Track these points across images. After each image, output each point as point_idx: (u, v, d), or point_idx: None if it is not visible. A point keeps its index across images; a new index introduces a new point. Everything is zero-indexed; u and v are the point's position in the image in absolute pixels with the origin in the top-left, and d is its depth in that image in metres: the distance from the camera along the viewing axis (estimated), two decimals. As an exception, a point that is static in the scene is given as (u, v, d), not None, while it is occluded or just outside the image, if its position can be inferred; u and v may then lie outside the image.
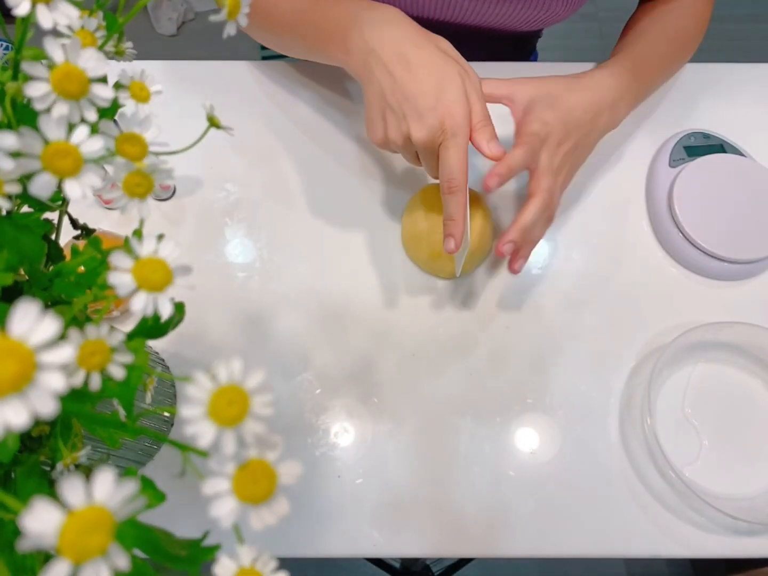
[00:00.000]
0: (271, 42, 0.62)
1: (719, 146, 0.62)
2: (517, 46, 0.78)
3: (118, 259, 0.22)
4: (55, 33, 0.23)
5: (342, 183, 0.62)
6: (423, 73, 0.45)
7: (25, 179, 0.21)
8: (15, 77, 0.24)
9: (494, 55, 0.76)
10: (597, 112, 0.53)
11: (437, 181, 0.48)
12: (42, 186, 0.21)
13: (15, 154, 0.20)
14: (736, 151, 0.62)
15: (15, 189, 0.22)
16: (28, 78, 0.21)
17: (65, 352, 0.17)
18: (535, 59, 0.91)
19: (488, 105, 0.48)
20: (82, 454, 0.28)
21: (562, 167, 0.52)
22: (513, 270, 0.52)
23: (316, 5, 0.54)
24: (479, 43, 0.72)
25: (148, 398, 0.34)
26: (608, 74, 0.55)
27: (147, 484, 0.25)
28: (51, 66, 0.22)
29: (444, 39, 0.49)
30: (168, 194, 0.61)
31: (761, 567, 0.91)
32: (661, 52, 0.62)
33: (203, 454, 0.21)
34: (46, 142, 0.21)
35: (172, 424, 0.52)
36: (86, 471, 0.29)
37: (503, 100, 0.53)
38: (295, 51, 0.61)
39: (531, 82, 0.53)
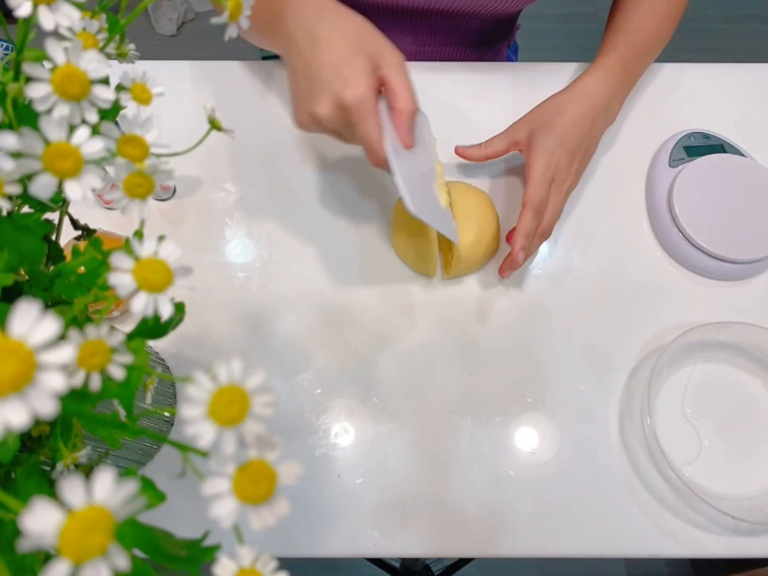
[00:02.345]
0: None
1: (719, 146, 0.62)
2: (495, 31, 0.78)
3: (119, 260, 0.22)
4: (57, 35, 0.23)
5: (342, 183, 0.63)
6: (328, 51, 0.45)
7: (25, 180, 0.21)
8: (16, 78, 0.24)
9: (471, 39, 0.77)
10: (593, 120, 0.56)
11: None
12: (42, 186, 0.21)
13: (16, 155, 0.20)
14: (736, 151, 0.62)
15: (16, 189, 0.22)
16: (30, 79, 0.21)
17: (65, 353, 0.17)
18: (515, 49, 0.90)
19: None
20: (82, 454, 0.28)
21: (568, 179, 0.56)
22: (503, 274, 0.56)
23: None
24: (454, 27, 0.73)
25: (148, 398, 0.34)
26: (596, 81, 0.58)
27: (147, 484, 0.25)
28: (52, 67, 0.22)
29: (365, 19, 0.48)
30: (168, 194, 0.61)
31: (761, 567, 0.91)
32: (650, 36, 0.62)
33: (203, 454, 0.21)
34: (46, 142, 0.21)
35: (172, 424, 0.52)
36: (86, 471, 0.29)
37: (511, 148, 0.59)
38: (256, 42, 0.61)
39: (525, 120, 0.58)
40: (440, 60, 0.80)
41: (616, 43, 0.60)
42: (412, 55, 0.79)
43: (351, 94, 0.43)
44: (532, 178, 0.53)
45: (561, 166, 0.54)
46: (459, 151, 0.59)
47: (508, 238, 0.57)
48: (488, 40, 0.80)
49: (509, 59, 0.89)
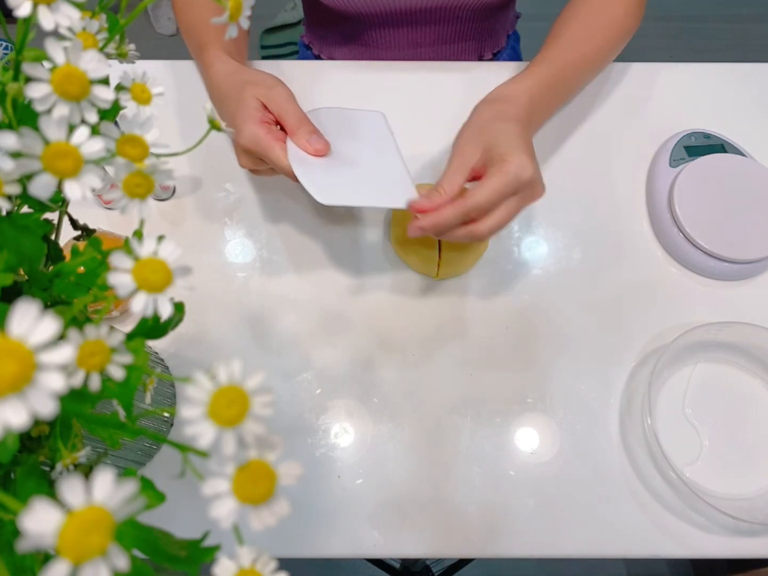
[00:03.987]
0: None
1: (719, 146, 0.62)
2: (490, 20, 0.78)
3: (118, 260, 0.22)
4: (57, 34, 0.23)
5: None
6: (227, 109, 0.53)
7: (25, 180, 0.21)
8: (16, 78, 0.24)
9: (467, 32, 0.77)
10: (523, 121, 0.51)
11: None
12: (42, 186, 0.21)
13: (15, 155, 0.20)
14: (736, 151, 0.62)
15: (15, 189, 0.22)
16: (29, 79, 0.21)
17: (65, 353, 0.17)
18: (517, 38, 0.90)
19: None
20: (82, 455, 0.28)
21: (536, 193, 0.49)
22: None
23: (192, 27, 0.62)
24: (448, 20, 0.73)
25: (148, 399, 0.34)
26: (524, 90, 0.54)
27: (147, 485, 0.25)
28: (52, 67, 0.22)
29: (251, 69, 0.56)
30: (168, 194, 0.61)
31: (762, 567, 0.91)
32: (583, 54, 0.59)
33: (203, 454, 0.21)
34: (46, 142, 0.21)
35: (171, 425, 0.52)
36: (86, 471, 0.29)
37: (472, 177, 0.48)
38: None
39: (469, 141, 0.49)
40: (439, 58, 0.80)
41: (547, 61, 0.57)
42: (410, 57, 0.79)
43: (244, 139, 0.48)
44: (492, 181, 0.45)
45: (535, 178, 0.46)
46: (416, 207, 0.46)
47: (417, 209, 0.46)
48: (485, 32, 0.80)
49: (513, 49, 0.88)
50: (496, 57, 0.85)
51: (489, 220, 0.46)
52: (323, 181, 0.48)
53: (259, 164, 0.51)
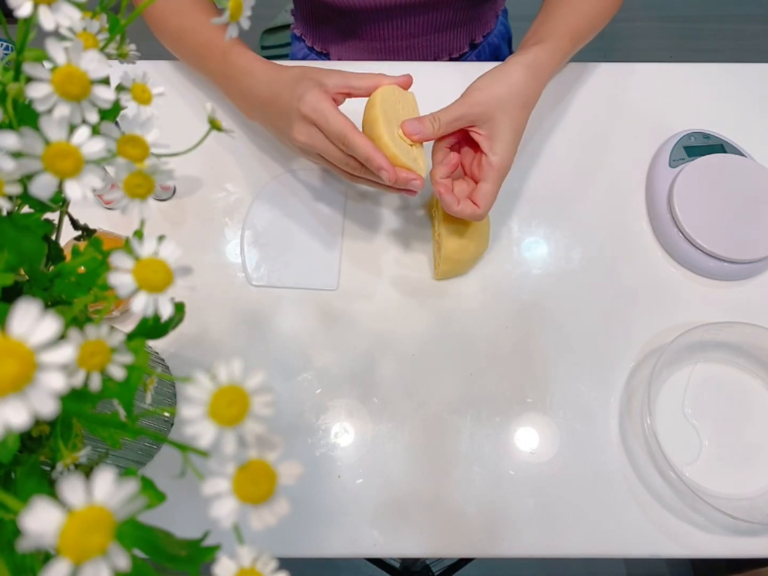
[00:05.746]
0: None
1: (719, 146, 0.62)
2: (479, 2, 0.78)
3: (119, 260, 0.22)
4: (58, 35, 0.23)
5: (342, 182, 0.62)
6: (276, 103, 0.53)
7: (26, 180, 0.21)
8: (17, 78, 0.24)
9: (457, 19, 0.77)
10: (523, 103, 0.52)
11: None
12: (43, 186, 0.21)
13: (16, 155, 0.20)
14: (736, 151, 0.62)
15: (16, 189, 0.22)
16: (30, 79, 0.21)
17: (65, 353, 0.17)
18: (506, 14, 0.90)
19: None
20: (82, 454, 0.29)
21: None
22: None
23: (193, 32, 0.60)
24: (443, 5, 0.73)
25: (148, 398, 0.34)
26: (548, 68, 0.55)
27: (147, 484, 0.25)
28: (53, 67, 0.22)
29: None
30: (168, 194, 0.61)
31: (761, 567, 0.91)
32: (589, 20, 0.61)
33: (203, 454, 0.21)
34: (47, 142, 0.21)
35: (172, 424, 0.52)
36: (86, 471, 0.29)
37: (465, 120, 0.51)
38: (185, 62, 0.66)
39: (478, 98, 0.51)
40: (431, 47, 0.80)
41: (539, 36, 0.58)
42: (404, 50, 0.79)
43: (306, 105, 0.48)
44: (495, 183, 0.50)
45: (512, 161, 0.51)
46: (409, 130, 0.50)
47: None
48: (476, 17, 0.79)
49: (502, 25, 0.88)
50: (486, 38, 0.85)
51: (489, 202, 0.50)
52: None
53: (314, 137, 0.50)
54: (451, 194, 0.50)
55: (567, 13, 0.60)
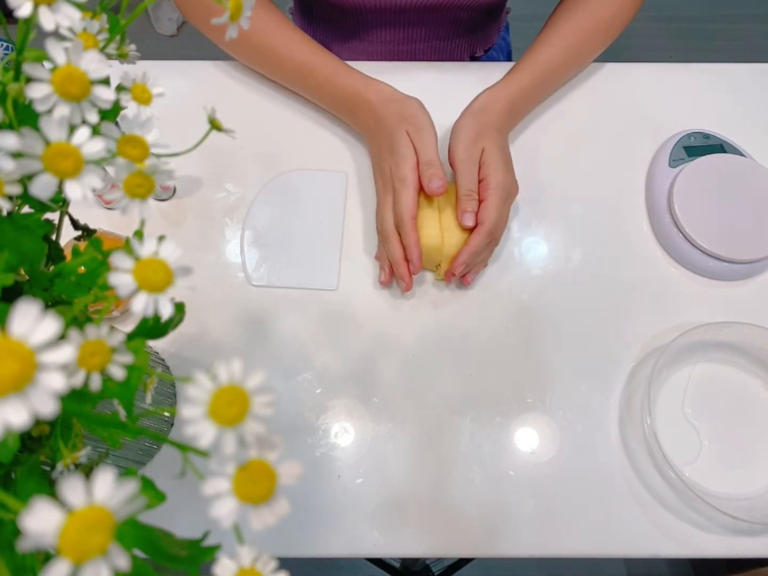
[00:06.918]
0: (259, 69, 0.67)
1: (719, 146, 0.62)
2: (485, 18, 0.78)
3: (119, 260, 0.22)
4: (58, 35, 0.23)
5: (342, 182, 0.62)
6: (383, 141, 0.56)
7: (26, 180, 0.21)
8: (17, 78, 0.24)
9: (461, 30, 0.77)
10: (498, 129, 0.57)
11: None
12: (43, 187, 0.21)
13: (16, 155, 0.20)
14: (736, 151, 0.62)
15: (16, 189, 0.22)
16: (30, 79, 0.21)
17: (65, 353, 0.17)
18: (507, 29, 0.90)
19: None
20: (82, 454, 0.29)
21: (515, 191, 0.56)
22: (466, 282, 0.56)
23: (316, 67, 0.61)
24: (444, 20, 0.74)
25: (149, 398, 0.34)
26: (507, 97, 0.58)
27: (147, 484, 0.25)
28: (53, 67, 0.22)
29: (414, 100, 0.57)
30: (168, 194, 0.61)
31: (761, 567, 0.91)
32: (569, 57, 0.63)
33: (203, 454, 0.21)
34: (47, 143, 0.21)
35: (172, 424, 0.52)
36: (86, 471, 0.29)
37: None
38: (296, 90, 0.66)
39: (469, 136, 0.56)
40: (432, 53, 0.80)
41: (530, 64, 0.61)
42: (404, 55, 0.79)
43: (399, 173, 0.53)
44: (493, 199, 0.52)
45: (513, 180, 0.55)
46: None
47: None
48: (478, 31, 0.80)
49: (503, 39, 0.88)
50: (487, 52, 0.85)
51: (501, 228, 0.54)
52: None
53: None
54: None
55: (550, 46, 0.62)
